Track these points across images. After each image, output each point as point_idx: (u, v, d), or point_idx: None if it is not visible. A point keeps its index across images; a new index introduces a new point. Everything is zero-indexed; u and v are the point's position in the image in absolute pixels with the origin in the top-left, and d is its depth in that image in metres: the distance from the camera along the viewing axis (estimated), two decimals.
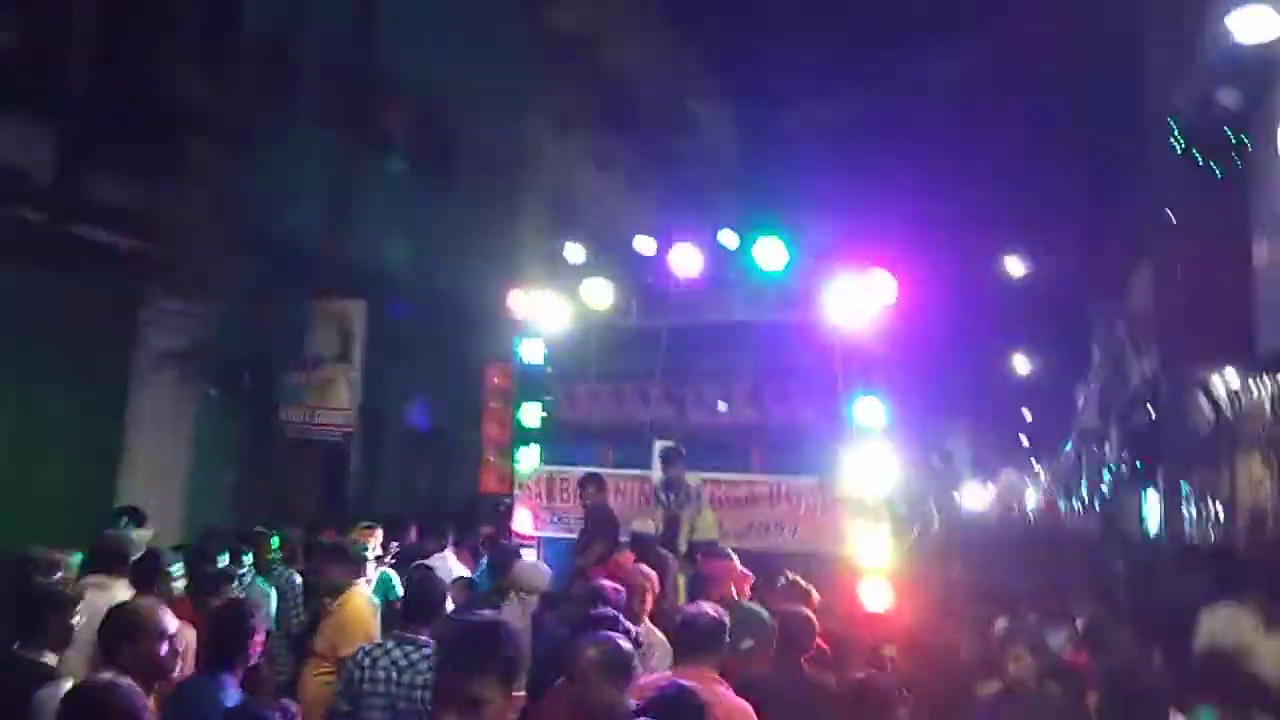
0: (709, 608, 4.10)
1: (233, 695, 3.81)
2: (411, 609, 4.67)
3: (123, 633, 3.42)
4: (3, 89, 8.68)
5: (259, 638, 4.19)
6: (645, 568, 6.54)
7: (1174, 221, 12.49)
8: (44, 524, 8.28)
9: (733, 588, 6.19)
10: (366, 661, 4.32)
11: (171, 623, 3.55)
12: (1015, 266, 24.56)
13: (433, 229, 12.03)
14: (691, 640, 3.91)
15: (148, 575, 5.12)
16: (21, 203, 8.92)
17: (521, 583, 5.98)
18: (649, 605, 5.43)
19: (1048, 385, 38.65)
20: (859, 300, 7.86)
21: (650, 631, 5.06)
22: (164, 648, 3.43)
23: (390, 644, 4.42)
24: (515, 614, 5.71)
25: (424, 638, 4.39)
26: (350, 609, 5.73)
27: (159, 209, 10.49)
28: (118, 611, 3.61)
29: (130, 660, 3.28)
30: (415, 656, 4.30)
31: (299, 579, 7.01)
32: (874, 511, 7.83)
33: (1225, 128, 10.50)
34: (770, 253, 8.27)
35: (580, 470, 8.36)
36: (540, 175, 13.83)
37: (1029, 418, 46.06)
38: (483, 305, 9.98)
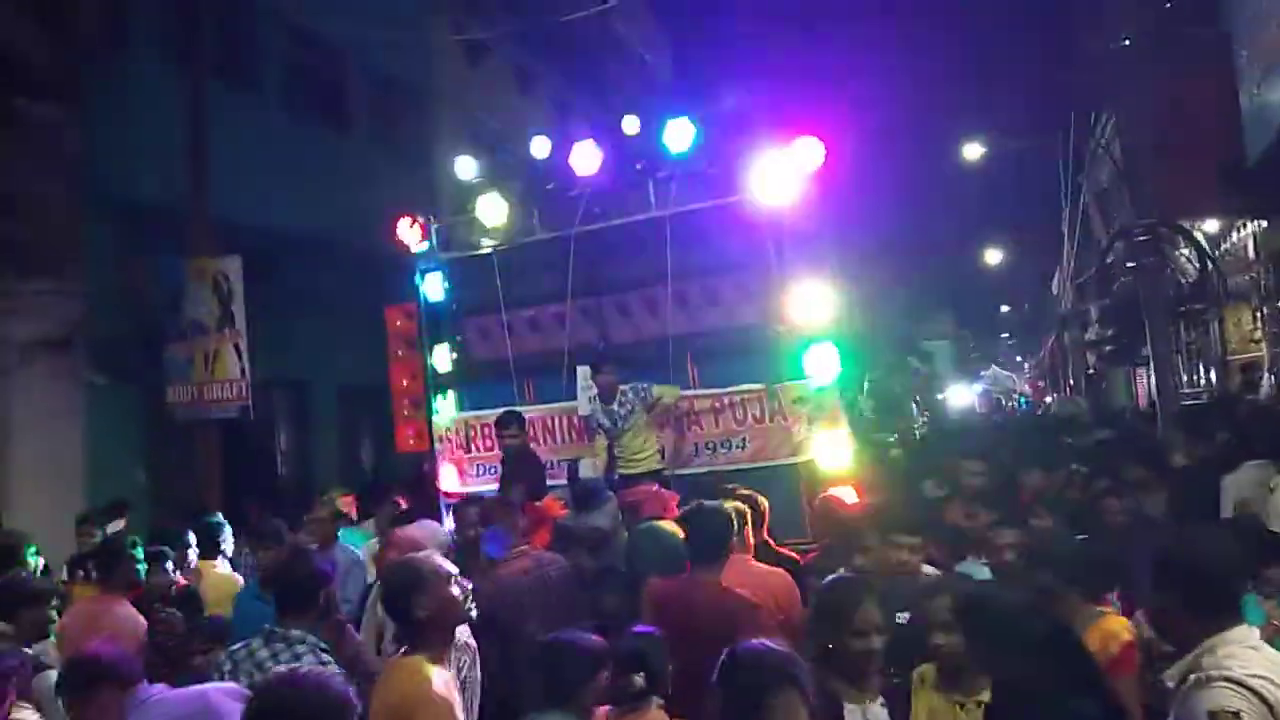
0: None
1: None
2: (282, 599, 3.65)
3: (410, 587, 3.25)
4: None
5: None
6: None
7: (1136, 57, 11.40)
8: None
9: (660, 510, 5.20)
10: (227, 665, 3.52)
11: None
12: (972, 150, 23.39)
13: (310, 167, 10.79)
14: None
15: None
16: None
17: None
18: None
19: (1022, 274, 37.85)
20: (785, 172, 6.78)
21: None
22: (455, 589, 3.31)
23: (257, 642, 3.52)
24: None
25: (297, 633, 3.49)
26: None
27: (1, 183, 9.30)
28: (398, 568, 3.43)
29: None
30: (286, 657, 3.42)
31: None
32: (831, 412, 6.86)
33: None
34: (679, 134, 7.16)
35: (499, 411, 7.31)
36: (419, 91, 12.51)
37: (1005, 310, 45.39)
38: (375, 243, 8.83)
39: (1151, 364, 11.72)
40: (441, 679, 3.17)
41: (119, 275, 9.79)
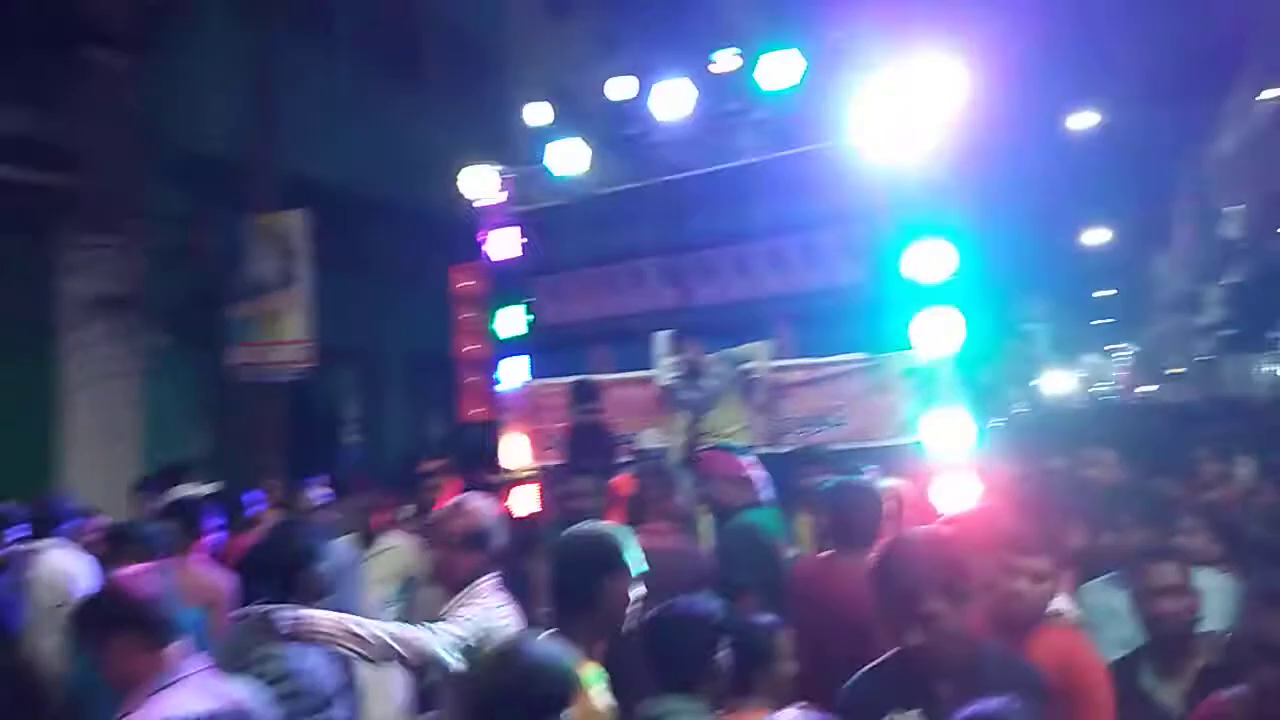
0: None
1: None
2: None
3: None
4: None
5: None
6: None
7: None
8: None
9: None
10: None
11: None
12: (1081, 120, 21.83)
13: (381, 121, 10.24)
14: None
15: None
16: None
17: None
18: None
19: (1126, 256, 35.84)
20: (901, 114, 5.91)
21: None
22: None
23: None
24: None
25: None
26: None
27: (64, 135, 8.97)
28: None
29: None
30: None
31: None
32: (945, 388, 6.01)
33: None
34: (780, 69, 6.32)
35: (571, 380, 6.64)
36: (492, 42, 11.86)
37: (1111, 293, 43.08)
38: (447, 201, 8.23)
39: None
40: None
41: (182, 232, 9.41)
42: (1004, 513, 3.57)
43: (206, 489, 7.01)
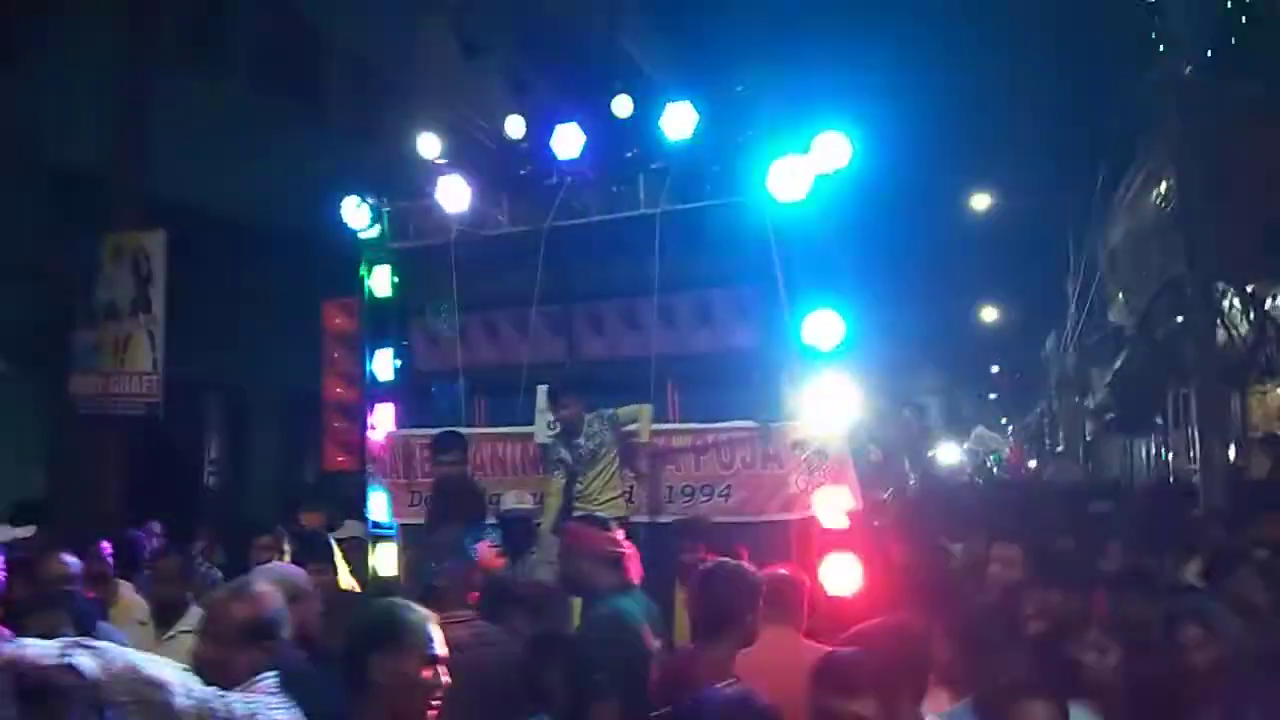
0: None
1: None
2: None
3: None
4: None
5: None
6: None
7: (1177, 116, 10.43)
8: None
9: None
10: None
11: None
12: (981, 201, 22.41)
13: (259, 143, 9.62)
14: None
15: None
16: None
17: None
18: None
19: (1016, 334, 36.99)
20: (801, 173, 5.68)
21: None
22: None
23: None
24: None
25: None
26: None
27: None
28: None
29: None
30: None
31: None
32: (837, 461, 5.71)
33: None
34: (679, 120, 6.04)
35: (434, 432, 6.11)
36: (382, 66, 11.38)
37: (996, 369, 44.41)
38: (326, 229, 7.67)
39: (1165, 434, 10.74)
40: None
41: (34, 248, 8.61)
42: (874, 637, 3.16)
43: (19, 533, 6.25)
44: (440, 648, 2.42)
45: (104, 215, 8.16)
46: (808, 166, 5.74)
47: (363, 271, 7.23)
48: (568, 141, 6.27)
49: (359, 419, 7.18)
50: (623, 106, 6.39)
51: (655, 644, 3.75)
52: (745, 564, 3.68)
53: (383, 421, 7.05)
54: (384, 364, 7.07)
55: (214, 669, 2.41)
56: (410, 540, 6.37)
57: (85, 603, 3.89)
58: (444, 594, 3.50)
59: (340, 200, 7.16)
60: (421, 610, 2.50)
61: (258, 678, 2.38)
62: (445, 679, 2.41)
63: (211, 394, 11.00)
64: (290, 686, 2.47)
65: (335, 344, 7.34)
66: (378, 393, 7.08)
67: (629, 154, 6.24)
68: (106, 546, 5.15)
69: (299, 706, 2.41)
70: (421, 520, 6.30)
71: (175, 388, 8.46)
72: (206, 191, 8.92)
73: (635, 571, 3.80)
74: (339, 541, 5.75)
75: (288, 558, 5.21)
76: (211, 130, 9.39)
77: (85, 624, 3.39)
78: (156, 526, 7.31)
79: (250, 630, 2.44)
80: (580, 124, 6.29)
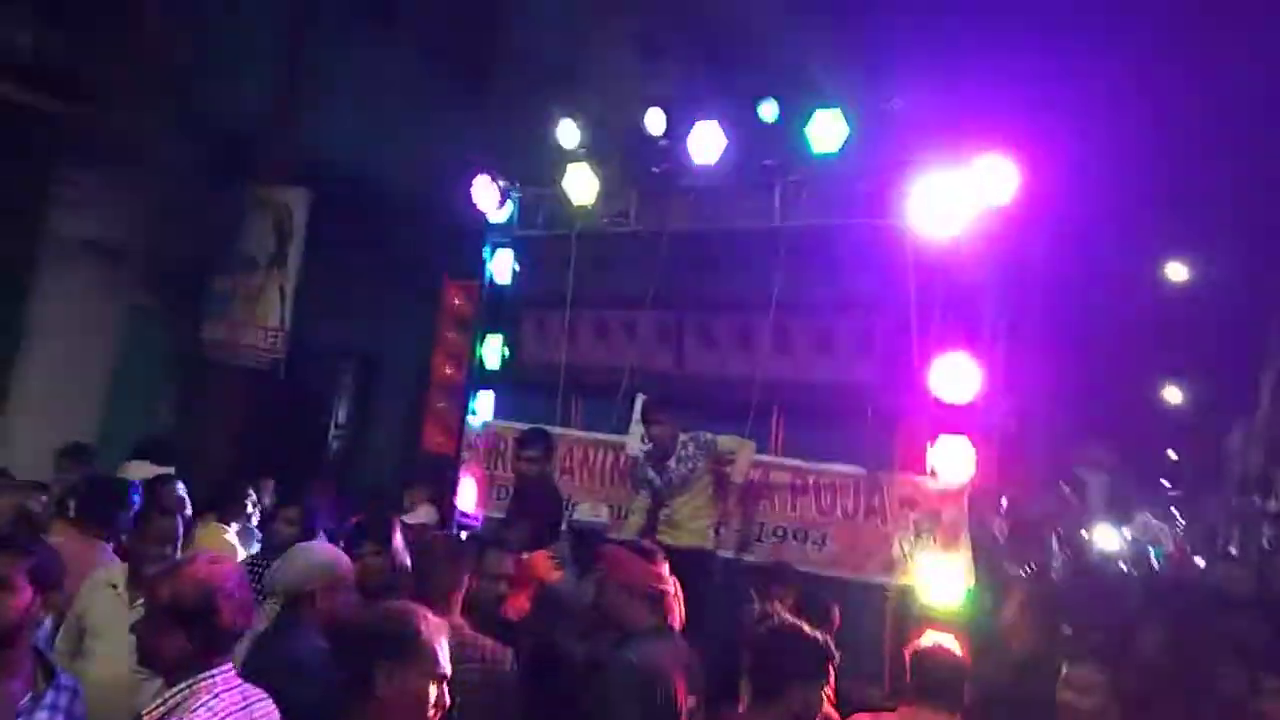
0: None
1: None
2: None
3: None
4: None
5: None
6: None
7: None
8: None
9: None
10: None
11: None
12: (1176, 270, 20.55)
13: (410, 111, 9.63)
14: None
15: None
16: None
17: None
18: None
19: (1200, 420, 34.01)
20: (957, 198, 5.07)
21: None
22: None
23: None
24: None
25: None
26: None
27: (77, 61, 8.51)
28: None
29: None
30: None
31: None
32: (951, 526, 5.05)
33: None
34: (828, 130, 5.53)
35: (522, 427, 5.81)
36: (554, 43, 11.25)
37: (1174, 456, 40.99)
38: (462, 205, 7.53)
39: None
40: None
41: (185, 189, 8.85)
42: None
43: (157, 471, 6.30)
44: (446, 666, 2.30)
45: (253, 167, 8.32)
46: (964, 196, 5.15)
47: (485, 254, 7.07)
48: (706, 143, 5.87)
49: (463, 403, 7.01)
50: (768, 110, 5.94)
51: (690, 701, 3.28)
52: (807, 628, 3.14)
53: (484, 409, 6.85)
54: (493, 351, 6.88)
55: (144, 643, 2.13)
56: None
57: None
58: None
59: (473, 179, 7.03)
60: (433, 622, 2.35)
61: (201, 676, 2.09)
62: (446, 700, 2.30)
63: (343, 360, 11.13)
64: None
65: (450, 324, 7.22)
66: (483, 379, 6.90)
67: (768, 162, 5.77)
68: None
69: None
70: (502, 515, 6.04)
71: (309, 349, 8.56)
72: (355, 157, 9.00)
73: (676, 614, 3.33)
74: (406, 528, 5.53)
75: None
76: (371, 97, 9.49)
77: None
78: (270, 484, 7.33)
79: (171, 612, 2.14)
80: (721, 124, 5.90)
